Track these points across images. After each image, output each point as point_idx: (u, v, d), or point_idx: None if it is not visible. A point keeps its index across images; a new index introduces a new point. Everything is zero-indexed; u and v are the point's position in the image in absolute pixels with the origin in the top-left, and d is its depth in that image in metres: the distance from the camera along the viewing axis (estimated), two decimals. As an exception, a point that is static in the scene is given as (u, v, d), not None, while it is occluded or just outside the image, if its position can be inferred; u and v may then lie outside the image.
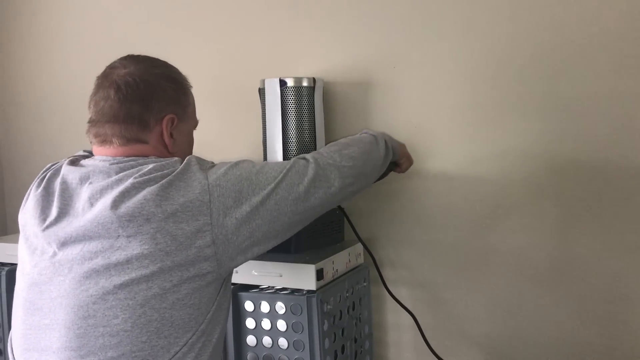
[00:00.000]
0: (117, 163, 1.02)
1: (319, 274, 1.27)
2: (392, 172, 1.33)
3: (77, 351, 0.93)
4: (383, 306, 1.60)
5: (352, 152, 1.16)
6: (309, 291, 1.26)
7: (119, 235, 0.95)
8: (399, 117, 1.51)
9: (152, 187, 0.96)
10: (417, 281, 1.55)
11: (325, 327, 1.28)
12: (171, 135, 1.08)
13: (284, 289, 1.29)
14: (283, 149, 1.36)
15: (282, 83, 1.35)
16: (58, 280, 0.97)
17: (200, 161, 1.04)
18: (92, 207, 0.98)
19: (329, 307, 1.30)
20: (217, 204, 0.98)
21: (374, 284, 1.55)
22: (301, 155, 1.13)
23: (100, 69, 1.09)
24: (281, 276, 1.22)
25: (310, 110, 1.37)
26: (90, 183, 1.00)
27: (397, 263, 1.57)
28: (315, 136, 1.38)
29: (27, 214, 1.05)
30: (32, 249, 1.01)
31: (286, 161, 1.09)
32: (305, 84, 1.36)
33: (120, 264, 0.94)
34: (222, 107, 1.78)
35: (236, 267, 1.03)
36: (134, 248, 0.94)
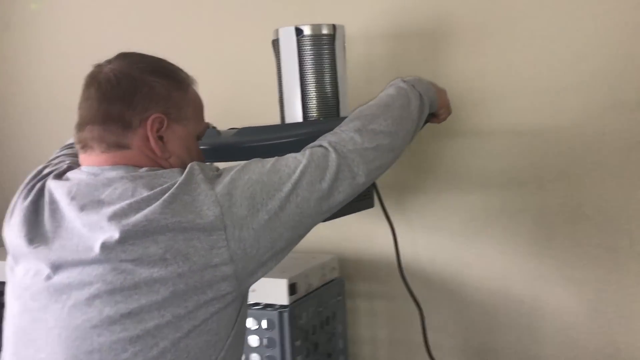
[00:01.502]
0: (103, 175, 0.90)
1: (292, 289, 1.27)
2: (427, 124, 1.19)
3: None
4: (358, 320, 1.57)
5: (378, 127, 1.02)
6: (281, 306, 1.26)
7: (122, 260, 0.83)
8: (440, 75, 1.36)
9: (153, 206, 0.85)
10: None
11: (298, 342, 1.28)
12: (160, 138, 0.94)
13: (256, 304, 1.29)
14: (302, 107, 1.22)
15: (299, 32, 1.20)
16: (55, 307, 0.85)
17: (204, 169, 0.91)
18: (85, 227, 0.86)
19: (301, 322, 1.30)
20: (229, 215, 0.86)
21: (348, 297, 1.55)
22: (316, 143, 0.99)
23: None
24: (254, 291, 1.10)
25: (332, 61, 1.22)
26: (78, 200, 0.88)
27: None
28: (337, 90, 1.23)
29: (14, 230, 0.93)
30: (25, 269, 0.90)
31: (300, 153, 0.96)
32: (325, 31, 1.21)
33: (127, 289, 0.83)
34: (232, 66, 1.65)
35: (256, 281, 0.91)
36: (142, 272, 0.83)
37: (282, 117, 1.26)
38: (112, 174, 0.91)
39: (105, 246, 0.83)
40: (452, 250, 1.48)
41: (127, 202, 0.85)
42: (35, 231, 0.91)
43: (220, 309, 0.87)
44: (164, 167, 0.94)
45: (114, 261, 0.83)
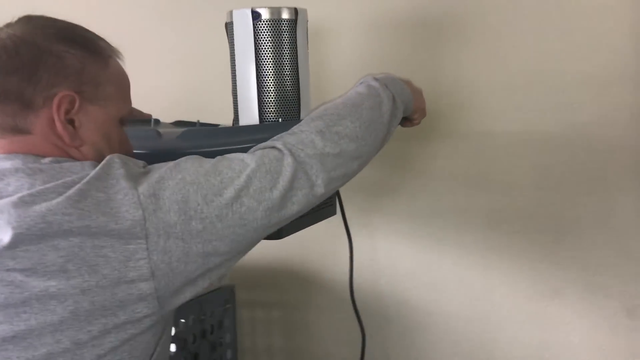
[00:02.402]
0: None
1: None
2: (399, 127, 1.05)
3: None
4: (256, 330, 1.52)
5: (344, 129, 0.87)
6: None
7: (9, 269, 0.66)
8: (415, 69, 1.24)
9: (54, 202, 0.68)
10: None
11: (174, 349, 1.23)
12: (71, 122, 0.78)
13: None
14: (258, 100, 1.05)
15: (255, 15, 1.04)
16: None
17: (127, 163, 0.74)
18: None
19: (178, 329, 1.25)
20: (154, 221, 0.71)
21: (245, 306, 1.48)
22: (269, 143, 0.85)
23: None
24: None
25: (292, 49, 1.06)
26: None
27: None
28: (298, 83, 1.07)
29: None
30: None
31: (248, 154, 0.81)
32: (285, 15, 1.05)
33: (13, 306, 0.66)
34: (178, 53, 1.49)
35: (183, 302, 0.75)
36: (34, 285, 0.67)
37: (236, 113, 1.10)
38: (6, 164, 0.73)
39: None
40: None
41: (18, 197, 0.68)
42: None
43: (134, 336, 0.71)
44: (74, 158, 0.78)
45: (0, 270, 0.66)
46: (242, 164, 0.79)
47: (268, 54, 1.05)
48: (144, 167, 0.78)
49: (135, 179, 0.73)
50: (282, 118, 1.06)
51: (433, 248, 1.36)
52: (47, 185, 0.70)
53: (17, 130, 0.76)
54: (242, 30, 1.05)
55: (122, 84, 0.86)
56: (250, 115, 1.06)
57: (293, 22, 1.06)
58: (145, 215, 0.70)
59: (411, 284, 1.38)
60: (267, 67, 1.05)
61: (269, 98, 1.06)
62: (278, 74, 1.05)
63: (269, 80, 1.05)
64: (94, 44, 0.82)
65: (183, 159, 0.80)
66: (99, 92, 0.80)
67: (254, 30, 1.04)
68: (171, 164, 0.78)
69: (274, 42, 1.05)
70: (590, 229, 1.24)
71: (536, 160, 1.27)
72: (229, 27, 1.09)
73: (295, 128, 0.88)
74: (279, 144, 0.84)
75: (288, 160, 0.81)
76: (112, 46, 0.84)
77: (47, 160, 0.75)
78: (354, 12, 1.37)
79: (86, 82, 0.79)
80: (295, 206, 0.81)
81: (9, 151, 0.76)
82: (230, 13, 1.07)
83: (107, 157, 0.75)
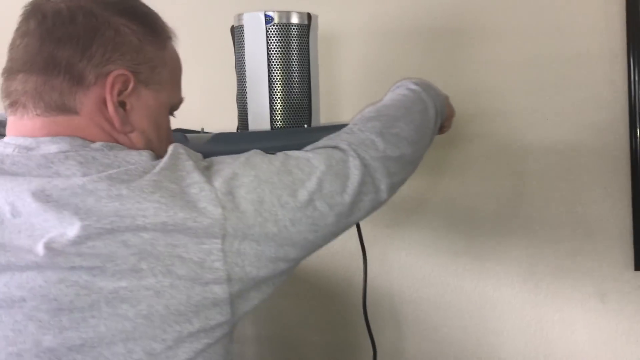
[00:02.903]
0: (38, 149, 0.66)
1: None
2: None
3: None
4: (262, 344, 1.47)
5: (401, 132, 0.83)
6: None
7: (74, 267, 0.61)
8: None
9: (123, 192, 0.62)
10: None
11: None
12: (122, 105, 0.72)
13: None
14: (270, 105, 1.03)
15: (268, 19, 1.02)
16: None
17: (190, 154, 0.69)
18: (19, 218, 0.64)
19: None
20: (233, 221, 0.65)
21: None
22: (330, 142, 0.79)
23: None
24: None
25: (305, 54, 1.04)
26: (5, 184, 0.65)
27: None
28: (310, 88, 1.05)
29: None
30: None
31: (311, 153, 0.75)
32: (298, 20, 1.03)
33: (80, 310, 0.60)
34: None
35: (249, 311, 0.71)
36: (102, 286, 0.60)
37: (243, 119, 1.07)
38: (51, 148, 0.66)
39: (51, 247, 0.60)
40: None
41: (83, 182, 0.62)
42: None
43: (208, 346, 0.65)
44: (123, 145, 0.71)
45: (62, 269, 0.60)
46: (310, 165, 0.73)
47: (281, 59, 1.02)
48: (201, 158, 0.72)
49: (205, 173, 0.67)
50: (293, 124, 1.04)
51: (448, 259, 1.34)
52: (108, 172, 0.63)
53: (63, 109, 0.68)
54: (254, 34, 1.03)
55: (177, 69, 0.80)
56: (261, 121, 1.04)
57: (306, 27, 1.04)
58: (225, 214, 0.65)
59: (425, 297, 1.36)
60: (280, 72, 1.03)
61: (281, 103, 1.03)
62: (291, 80, 1.03)
63: (282, 85, 1.03)
64: (154, 22, 0.75)
65: (250, 152, 0.73)
66: (154, 75, 0.74)
67: (266, 34, 1.02)
68: (241, 158, 0.71)
69: (288, 47, 1.03)
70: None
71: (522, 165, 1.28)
72: (236, 31, 1.06)
73: (351, 127, 0.83)
74: (343, 144, 0.78)
75: (355, 163, 0.76)
76: (170, 28, 0.78)
77: (97, 145, 0.68)
78: (364, 17, 1.36)
79: (143, 62, 0.72)
80: (361, 213, 0.77)
81: (52, 133, 0.68)
82: (239, 17, 1.05)
83: (172, 147, 0.69)
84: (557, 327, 1.29)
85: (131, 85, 0.71)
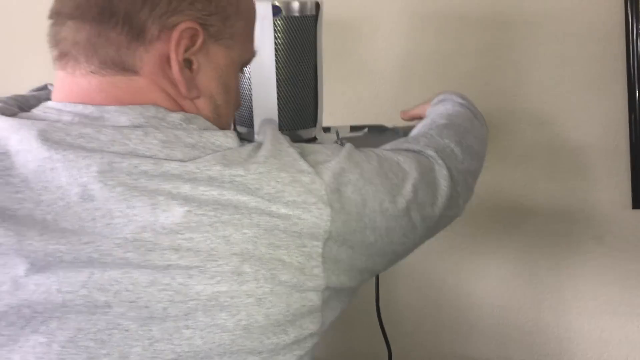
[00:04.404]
0: (103, 119, 0.56)
1: None
2: None
3: None
4: None
5: (472, 144, 0.77)
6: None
7: (169, 265, 0.52)
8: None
9: (229, 173, 0.55)
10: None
11: None
12: (188, 64, 0.61)
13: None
14: (278, 103, 0.95)
15: (276, 10, 0.93)
16: (29, 344, 0.52)
17: (283, 136, 0.62)
18: (92, 203, 0.53)
19: None
20: (338, 224, 0.57)
21: None
22: (413, 145, 0.71)
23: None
24: None
25: (313, 47, 0.97)
26: (69, 157, 0.54)
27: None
28: (317, 89, 0.98)
29: None
30: None
31: (402, 155, 0.67)
32: (308, 12, 0.95)
33: (173, 320, 0.52)
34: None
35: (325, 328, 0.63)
36: (199, 290, 0.52)
37: (246, 117, 0.99)
38: (121, 120, 0.57)
39: (141, 239, 0.52)
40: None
41: (175, 166, 0.54)
42: None
43: (299, 359, 0.59)
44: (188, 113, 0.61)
45: (154, 268, 0.52)
46: (402, 170, 0.65)
47: (290, 54, 0.94)
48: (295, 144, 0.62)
49: (310, 162, 0.59)
50: (300, 123, 0.97)
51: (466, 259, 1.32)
52: (205, 158, 0.55)
53: (120, 67, 0.58)
54: (261, 27, 0.93)
55: (252, 19, 0.70)
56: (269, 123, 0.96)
57: (314, 18, 0.96)
58: (333, 215, 0.57)
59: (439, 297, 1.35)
60: (288, 68, 0.95)
61: (290, 101, 0.96)
62: (299, 75, 0.96)
63: (290, 82, 0.95)
64: None
65: (348, 145, 0.64)
66: (226, 27, 0.63)
67: (274, 27, 0.93)
68: (342, 151, 0.62)
69: (296, 41, 0.95)
70: None
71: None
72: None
73: (427, 130, 0.76)
74: (429, 151, 0.71)
75: (443, 172, 0.69)
76: None
77: (175, 119, 0.58)
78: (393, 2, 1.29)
79: (214, 12, 0.61)
80: (438, 230, 0.71)
81: (111, 98, 0.58)
82: (240, 5, 0.95)
83: (269, 130, 0.60)
84: (551, 274, 1.28)
85: (200, 41, 0.60)
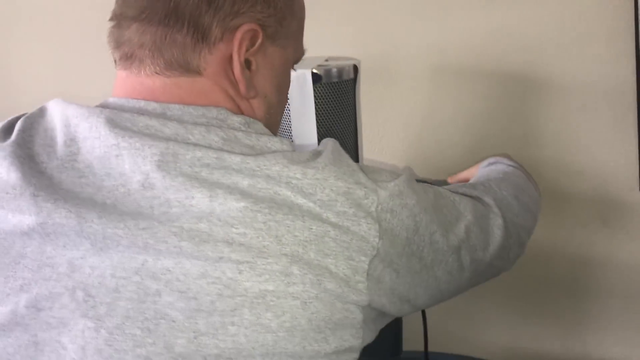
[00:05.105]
0: (165, 114, 0.59)
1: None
2: None
3: None
4: None
5: (528, 202, 0.78)
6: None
7: (221, 257, 0.53)
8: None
9: (288, 173, 0.56)
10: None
11: None
12: (247, 64, 0.63)
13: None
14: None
15: (316, 77, 0.96)
16: (80, 325, 0.54)
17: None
18: (147, 190, 0.55)
19: None
20: (386, 244, 0.58)
21: None
22: (472, 191, 0.72)
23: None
24: None
25: (353, 109, 1.00)
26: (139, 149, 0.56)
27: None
28: (357, 146, 1.02)
29: None
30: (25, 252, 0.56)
31: (458, 196, 0.68)
32: (346, 76, 0.98)
33: (220, 315, 0.53)
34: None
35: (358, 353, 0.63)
36: (247, 286, 0.53)
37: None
38: (184, 117, 0.59)
39: (197, 229, 0.53)
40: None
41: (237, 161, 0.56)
42: (40, 183, 0.56)
43: None
44: (243, 114, 0.64)
45: (206, 260, 0.53)
46: (457, 210, 0.65)
47: (330, 118, 0.98)
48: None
49: (370, 178, 0.59)
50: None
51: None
52: (266, 157, 0.57)
53: (185, 68, 0.60)
54: (300, 96, 0.97)
55: (303, 18, 0.70)
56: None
57: (352, 81, 0.99)
58: (381, 233, 0.57)
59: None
60: (329, 132, 0.98)
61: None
62: (340, 137, 0.99)
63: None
64: None
65: (407, 172, 0.64)
66: (282, 28, 0.65)
67: (314, 94, 0.97)
68: (402, 175, 0.62)
69: (336, 105, 0.98)
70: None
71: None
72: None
73: (486, 183, 0.76)
74: (487, 198, 0.70)
75: (498, 222, 0.69)
76: None
77: (236, 122, 0.59)
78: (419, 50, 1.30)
79: (272, 14, 0.63)
80: (484, 280, 0.70)
81: (175, 97, 0.60)
82: (280, 71, 0.99)
83: (330, 142, 0.62)
84: (558, 249, 1.28)
85: (259, 42, 0.62)
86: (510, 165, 0.89)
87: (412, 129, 1.34)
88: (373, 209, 0.57)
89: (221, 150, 0.56)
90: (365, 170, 0.61)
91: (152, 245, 0.53)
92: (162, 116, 0.58)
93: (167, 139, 0.56)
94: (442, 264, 0.63)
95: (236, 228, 0.53)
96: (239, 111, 0.63)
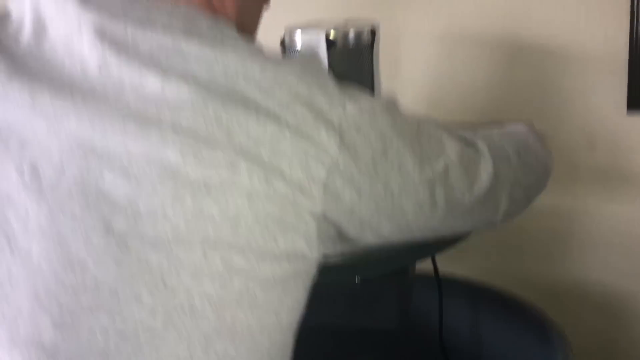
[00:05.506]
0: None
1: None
2: None
3: None
4: None
5: (534, 161, 0.75)
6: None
7: (166, 141, 0.53)
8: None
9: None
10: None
11: None
12: None
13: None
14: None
15: (330, 44, 0.88)
16: (23, 199, 0.54)
17: None
18: (104, 70, 0.54)
19: None
20: (346, 159, 0.56)
21: None
22: (467, 135, 0.69)
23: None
24: None
25: (370, 74, 0.92)
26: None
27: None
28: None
29: None
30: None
31: (448, 136, 0.65)
32: (364, 41, 0.90)
33: (160, 198, 0.52)
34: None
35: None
36: (190, 170, 0.52)
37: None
38: (151, 4, 0.58)
39: (144, 111, 0.53)
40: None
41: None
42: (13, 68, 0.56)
43: (288, 278, 0.57)
44: (214, 13, 0.64)
45: (150, 140, 0.52)
46: (441, 147, 0.63)
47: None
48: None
49: (340, 88, 0.59)
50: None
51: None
52: (224, 50, 0.56)
53: None
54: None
55: None
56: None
57: (370, 45, 0.91)
58: (342, 146, 0.56)
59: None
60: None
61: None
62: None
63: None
64: None
65: (390, 98, 0.64)
66: None
67: (328, 60, 0.89)
68: (381, 99, 0.63)
69: (352, 72, 0.90)
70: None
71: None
72: (289, 49, 0.92)
73: (489, 132, 0.73)
74: (480, 144, 0.68)
75: (488, 168, 0.66)
76: None
77: (203, 17, 0.59)
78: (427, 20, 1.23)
79: None
80: (468, 224, 0.69)
81: None
82: (292, 32, 0.91)
83: (308, 54, 0.63)
84: None
85: None
86: (525, 129, 0.84)
87: (428, 98, 1.27)
88: (336, 120, 0.55)
89: (181, 38, 0.55)
90: (340, 82, 0.58)
91: (100, 124, 0.52)
92: (128, 0, 0.57)
93: (127, 22, 0.55)
94: (411, 195, 0.61)
95: (185, 116, 0.52)
96: (210, 6, 0.62)
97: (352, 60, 0.90)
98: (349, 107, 0.56)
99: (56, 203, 0.53)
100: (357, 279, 0.85)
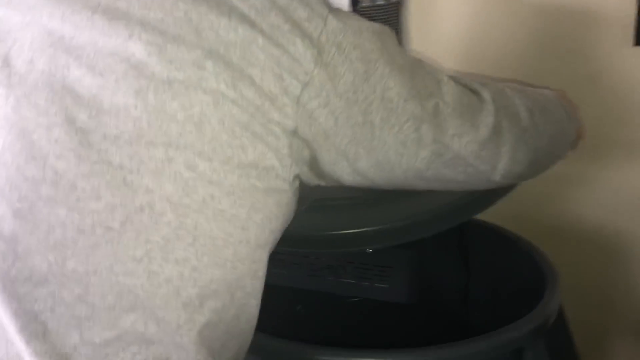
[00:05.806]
0: None
1: None
2: None
3: None
4: None
5: (545, 123, 0.68)
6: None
7: (131, 35, 0.50)
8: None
9: None
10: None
11: None
12: None
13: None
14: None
15: (355, 1, 0.85)
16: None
17: None
18: None
19: None
20: (323, 77, 0.52)
21: None
22: (474, 84, 0.63)
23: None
24: None
25: (398, 36, 0.89)
26: None
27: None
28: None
29: None
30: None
31: (448, 78, 0.60)
32: (389, -2, 0.87)
33: (124, 94, 0.50)
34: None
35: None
36: (155, 69, 0.50)
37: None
38: None
39: (112, 8, 0.52)
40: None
41: None
42: None
43: (257, 191, 0.54)
44: None
45: (117, 35, 0.51)
46: (438, 88, 0.58)
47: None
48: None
49: (326, 4, 0.53)
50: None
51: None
52: None
53: None
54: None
55: None
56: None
57: (397, 5, 0.87)
58: (319, 62, 0.52)
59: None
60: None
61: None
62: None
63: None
64: None
65: (386, 27, 0.57)
66: None
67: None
68: (375, 24, 0.56)
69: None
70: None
71: None
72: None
73: (502, 86, 0.68)
74: (485, 94, 0.62)
75: (488, 120, 0.61)
76: None
77: None
78: None
79: None
80: (460, 176, 0.63)
81: None
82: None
83: None
84: None
85: None
86: (552, 94, 0.77)
87: (461, 54, 1.22)
88: (315, 34, 0.51)
89: None
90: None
91: (69, 17, 0.52)
92: None
93: None
94: (394, 128, 0.56)
95: (154, 12, 0.50)
96: None
97: (380, 20, 0.86)
98: (331, 21, 0.52)
99: (23, 95, 0.53)
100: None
